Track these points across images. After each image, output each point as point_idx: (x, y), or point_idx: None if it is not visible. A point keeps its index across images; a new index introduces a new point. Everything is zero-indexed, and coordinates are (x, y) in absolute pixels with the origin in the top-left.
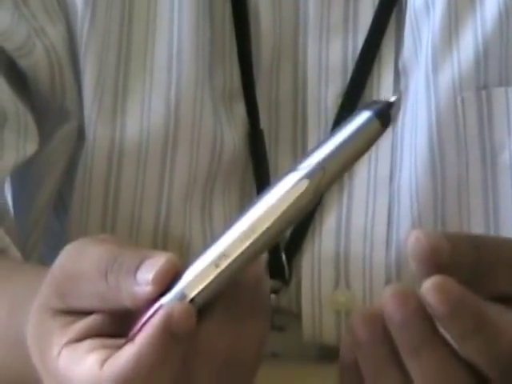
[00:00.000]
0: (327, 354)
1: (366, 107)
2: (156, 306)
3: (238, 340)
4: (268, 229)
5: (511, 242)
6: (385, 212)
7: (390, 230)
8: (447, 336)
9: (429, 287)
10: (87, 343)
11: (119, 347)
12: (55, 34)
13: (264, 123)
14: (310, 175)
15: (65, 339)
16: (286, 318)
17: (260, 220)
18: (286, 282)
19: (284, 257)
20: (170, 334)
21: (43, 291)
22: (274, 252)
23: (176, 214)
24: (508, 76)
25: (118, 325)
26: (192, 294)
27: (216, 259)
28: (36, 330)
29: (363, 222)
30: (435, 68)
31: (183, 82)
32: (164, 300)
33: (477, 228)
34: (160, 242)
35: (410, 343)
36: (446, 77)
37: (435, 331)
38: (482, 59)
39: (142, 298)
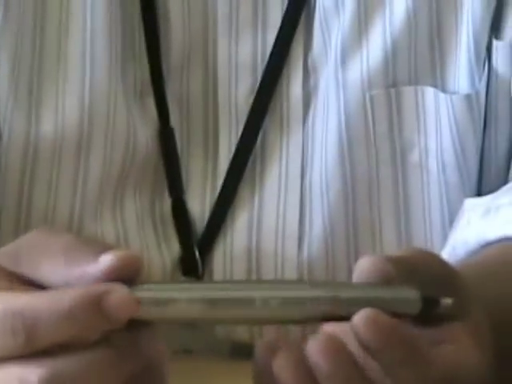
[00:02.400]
0: (240, 350)
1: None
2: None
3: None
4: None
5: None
6: (296, 209)
7: (302, 226)
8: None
9: (359, 320)
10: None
11: None
12: None
13: (175, 121)
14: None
15: None
16: None
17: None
18: (198, 278)
19: (197, 253)
20: (95, 303)
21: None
22: (187, 248)
23: (89, 213)
24: (417, 75)
25: None
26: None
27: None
28: None
29: (275, 219)
30: (344, 66)
31: (97, 79)
32: None
33: (387, 226)
34: None
35: None
36: (355, 75)
37: (361, 374)
38: (391, 58)
39: (95, 274)
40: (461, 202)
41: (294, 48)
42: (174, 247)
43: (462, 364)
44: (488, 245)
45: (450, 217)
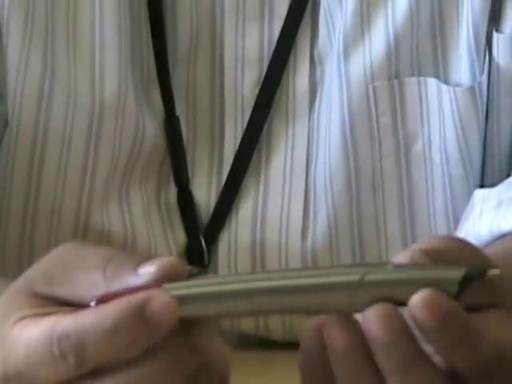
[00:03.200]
0: (246, 341)
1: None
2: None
3: None
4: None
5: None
6: (301, 200)
7: (306, 218)
8: (430, 350)
9: (417, 302)
10: (48, 317)
11: None
12: None
13: (181, 111)
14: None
15: (23, 313)
16: None
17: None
18: (204, 268)
19: (203, 242)
20: (137, 313)
21: (26, 275)
22: (193, 237)
23: (96, 202)
24: (419, 66)
25: None
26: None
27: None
28: (6, 300)
29: (279, 210)
30: (347, 57)
31: (107, 67)
32: None
33: (391, 217)
34: (81, 231)
35: (396, 362)
36: (358, 66)
37: (419, 350)
38: (393, 49)
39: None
40: (464, 194)
41: (300, 40)
42: (180, 236)
43: (508, 346)
44: (502, 236)
45: (454, 208)
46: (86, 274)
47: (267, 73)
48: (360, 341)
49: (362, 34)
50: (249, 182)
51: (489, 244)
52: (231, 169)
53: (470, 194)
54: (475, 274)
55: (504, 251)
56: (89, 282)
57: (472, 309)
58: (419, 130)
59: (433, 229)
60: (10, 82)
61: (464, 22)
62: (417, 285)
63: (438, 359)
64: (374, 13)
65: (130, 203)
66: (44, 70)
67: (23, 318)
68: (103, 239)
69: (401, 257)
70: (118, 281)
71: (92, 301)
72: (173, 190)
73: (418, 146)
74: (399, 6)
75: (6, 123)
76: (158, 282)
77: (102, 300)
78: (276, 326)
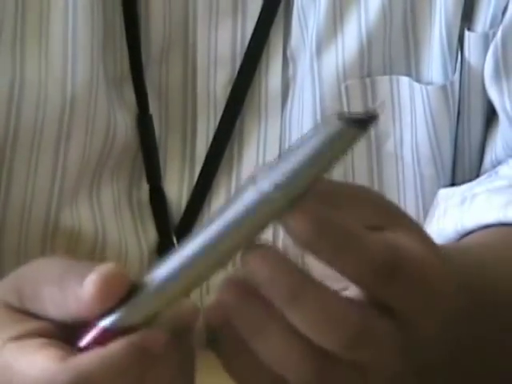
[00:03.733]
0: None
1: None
2: (100, 324)
3: None
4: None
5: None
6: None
7: None
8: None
9: (289, 217)
10: (38, 340)
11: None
12: None
13: (154, 109)
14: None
15: (14, 333)
16: None
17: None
18: None
19: (175, 240)
20: (143, 347)
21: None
22: (164, 235)
23: (67, 200)
24: (392, 65)
25: (67, 336)
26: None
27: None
28: None
29: None
30: (319, 56)
31: (78, 65)
32: (107, 319)
33: None
34: (50, 230)
35: (283, 294)
36: (330, 64)
37: (306, 276)
38: (366, 48)
39: (85, 301)
40: (435, 193)
41: (273, 38)
42: (152, 234)
43: (407, 247)
44: (466, 233)
45: (425, 207)
46: (47, 286)
47: (239, 71)
48: (250, 291)
49: (335, 33)
50: (221, 179)
51: (454, 241)
52: (203, 167)
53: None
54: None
55: (468, 246)
56: (49, 294)
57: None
58: (391, 128)
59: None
60: None
61: (437, 21)
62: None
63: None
64: (347, 11)
65: (100, 202)
66: (13, 71)
67: (14, 338)
68: (73, 239)
69: None
70: (70, 291)
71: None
72: (145, 188)
73: (389, 145)
74: (372, 5)
75: None
76: (102, 289)
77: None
78: None
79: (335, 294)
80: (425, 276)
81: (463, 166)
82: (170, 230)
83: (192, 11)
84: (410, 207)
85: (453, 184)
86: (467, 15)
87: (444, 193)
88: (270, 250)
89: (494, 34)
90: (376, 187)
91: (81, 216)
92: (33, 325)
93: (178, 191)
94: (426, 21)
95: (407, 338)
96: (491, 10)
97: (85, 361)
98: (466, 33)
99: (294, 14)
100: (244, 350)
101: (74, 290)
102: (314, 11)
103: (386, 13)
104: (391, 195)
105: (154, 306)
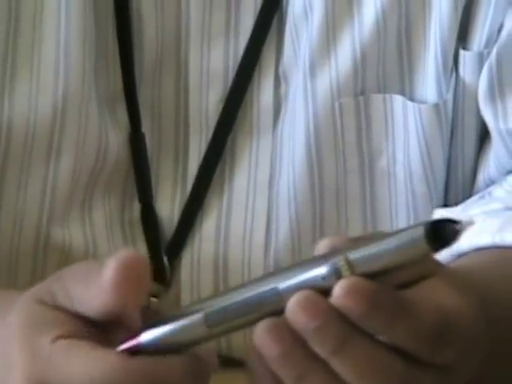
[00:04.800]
0: (232, 361)
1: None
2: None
3: None
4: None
5: None
6: (264, 217)
7: (269, 234)
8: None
9: (341, 291)
10: (86, 342)
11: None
12: None
13: (146, 126)
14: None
15: (58, 331)
16: None
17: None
18: (166, 286)
19: (166, 260)
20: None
21: (35, 288)
22: (155, 254)
23: (58, 217)
24: (386, 83)
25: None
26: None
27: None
28: (23, 316)
29: (242, 227)
30: (313, 74)
31: (70, 83)
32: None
33: (354, 233)
34: (41, 247)
35: (330, 345)
36: (324, 83)
37: (352, 328)
38: (360, 65)
39: (106, 287)
40: (427, 212)
41: (266, 56)
42: (142, 253)
43: (449, 311)
44: (461, 255)
45: None
46: (74, 288)
47: (231, 89)
48: (292, 340)
49: (328, 51)
50: (212, 197)
51: (449, 263)
52: (194, 185)
53: (432, 212)
54: (438, 225)
55: (463, 266)
56: (77, 295)
57: (408, 285)
58: (384, 146)
59: None
60: None
61: (432, 39)
62: (383, 259)
63: None
64: (341, 29)
65: (92, 219)
66: (3, 86)
67: (59, 337)
68: (64, 256)
69: (323, 243)
70: (93, 288)
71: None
72: (137, 206)
73: (382, 163)
74: (366, 23)
75: None
76: (120, 273)
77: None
78: (238, 346)
79: (381, 344)
80: (465, 330)
81: (456, 184)
82: (161, 249)
83: (184, 29)
84: (401, 224)
85: (445, 202)
86: (463, 34)
87: (439, 214)
88: (319, 299)
89: (489, 54)
90: (368, 204)
91: (72, 233)
92: (71, 323)
93: (169, 210)
94: (421, 39)
95: (449, 381)
96: (486, 30)
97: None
98: (461, 52)
99: (287, 32)
100: None
101: (95, 281)
102: (306, 29)
103: (381, 30)
104: (383, 212)
105: (200, 337)
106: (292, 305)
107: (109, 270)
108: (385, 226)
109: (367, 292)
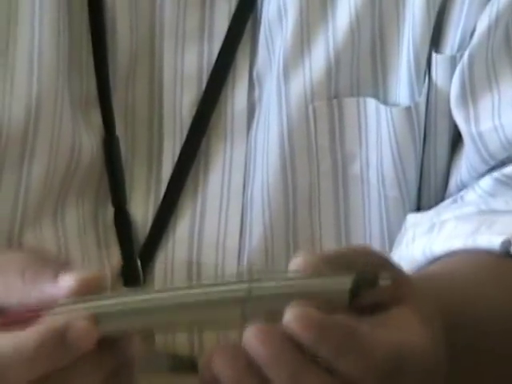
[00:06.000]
0: (179, 364)
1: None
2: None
3: None
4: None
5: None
6: (237, 221)
7: (242, 238)
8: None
9: (291, 318)
10: None
11: None
12: None
13: (120, 130)
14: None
15: None
16: None
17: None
18: (139, 289)
19: (139, 264)
20: (59, 336)
21: None
22: (128, 258)
23: (30, 220)
24: (359, 86)
25: None
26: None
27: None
28: None
29: (216, 231)
30: (287, 77)
31: (44, 88)
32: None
33: (327, 238)
34: (14, 249)
35: (283, 374)
36: (298, 86)
37: (305, 358)
38: (334, 69)
39: (55, 295)
40: (400, 216)
41: (240, 59)
42: (116, 257)
43: (407, 343)
44: (435, 259)
45: (389, 230)
46: (4, 277)
47: (205, 92)
48: (247, 364)
49: (302, 55)
50: (186, 201)
51: (422, 268)
52: (167, 188)
53: (405, 217)
54: (365, 282)
55: (434, 272)
56: (7, 285)
57: (376, 306)
58: (357, 150)
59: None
60: None
61: (405, 43)
62: (305, 296)
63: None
64: (315, 33)
65: (65, 223)
66: None
67: None
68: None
69: (296, 262)
70: (37, 288)
71: None
72: (110, 210)
73: (355, 167)
74: (339, 27)
75: None
76: (76, 293)
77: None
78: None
79: (336, 377)
80: (421, 363)
81: (429, 188)
82: (134, 253)
83: (158, 32)
84: (374, 228)
85: (418, 206)
86: (435, 38)
87: (412, 219)
88: (272, 329)
89: (462, 57)
90: (341, 208)
91: (44, 237)
92: None
93: (143, 213)
94: (394, 42)
95: None
96: (459, 33)
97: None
98: (434, 55)
99: (261, 35)
100: None
101: (43, 286)
102: (281, 32)
103: (354, 34)
104: (357, 217)
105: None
106: (247, 335)
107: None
108: (358, 231)
109: (315, 320)
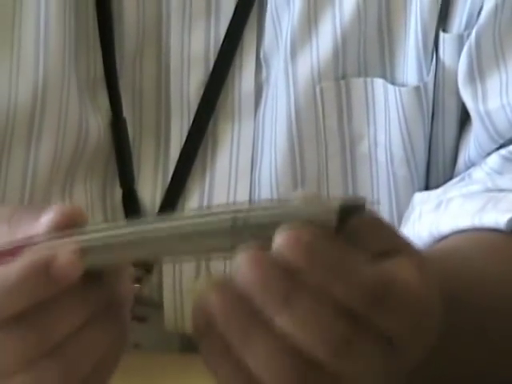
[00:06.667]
0: (189, 344)
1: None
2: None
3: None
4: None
5: None
6: (245, 200)
7: None
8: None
9: (281, 241)
10: None
11: None
12: None
13: (128, 111)
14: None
15: None
16: (148, 308)
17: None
18: (148, 270)
19: None
20: (40, 271)
21: None
22: None
23: (38, 201)
24: (366, 67)
25: None
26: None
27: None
28: None
29: None
30: (294, 58)
31: (50, 68)
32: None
33: None
34: None
35: (274, 299)
36: (305, 66)
37: (297, 283)
38: (341, 49)
39: (42, 232)
40: (409, 195)
41: (247, 39)
42: None
43: (397, 278)
44: (442, 238)
45: (398, 208)
46: None
47: (212, 72)
48: (238, 296)
49: (309, 34)
50: (194, 181)
51: (429, 246)
52: (175, 169)
53: (413, 196)
54: (352, 205)
55: (441, 251)
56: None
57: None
58: (365, 130)
59: None
60: None
61: (412, 22)
62: (292, 221)
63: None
64: (322, 13)
65: (72, 203)
66: None
67: None
68: None
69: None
70: (22, 228)
71: None
72: (118, 191)
73: (363, 147)
74: (346, 6)
75: None
76: (58, 228)
77: None
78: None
79: (327, 302)
80: (412, 302)
81: (437, 166)
82: None
83: (165, 12)
84: (383, 207)
85: (427, 185)
86: (443, 17)
87: (419, 197)
88: (263, 253)
89: (469, 35)
90: (350, 188)
91: None
92: None
93: (151, 194)
94: (401, 22)
95: (392, 357)
96: (466, 12)
97: None
98: (441, 34)
99: (268, 15)
100: (226, 350)
101: (27, 228)
102: (288, 13)
103: (361, 14)
104: (365, 195)
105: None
106: (237, 260)
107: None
108: None
109: (306, 242)
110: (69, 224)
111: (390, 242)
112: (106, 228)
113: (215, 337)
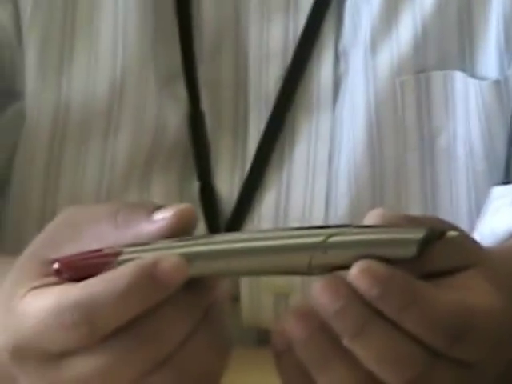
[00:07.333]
0: (266, 338)
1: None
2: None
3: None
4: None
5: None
6: (323, 194)
7: (328, 212)
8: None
9: (356, 273)
10: (57, 288)
11: None
12: (3, 12)
13: (206, 105)
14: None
15: (37, 283)
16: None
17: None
18: None
19: None
20: (149, 275)
21: (32, 247)
22: (215, 232)
23: (115, 195)
24: (446, 60)
25: None
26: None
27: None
28: (15, 272)
29: (301, 205)
30: (374, 51)
31: (128, 63)
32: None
33: (414, 212)
34: None
35: (350, 327)
36: (385, 60)
37: (372, 312)
38: (421, 43)
39: (151, 233)
40: (488, 190)
41: (325, 32)
42: (202, 231)
43: (474, 308)
44: None
45: (477, 204)
46: (95, 227)
47: (291, 66)
48: (318, 325)
49: (390, 28)
50: (271, 176)
51: (505, 241)
52: (253, 162)
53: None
54: (434, 235)
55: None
56: (99, 234)
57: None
58: (444, 124)
59: (455, 224)
60: (28, 76)
61: (494, 15)
62: (376, 247)
63: None
64: (402, 5)
65: (150, 198)
66: (61, 68)
67: (32, 288)
68: None
69: (369, 218)
70: (132, 228)
71: (54, 264)
72: (195, 185)
73: (442, 141)
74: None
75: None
76: (172, 229)
77: (65, 264)
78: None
79: (403, 332)
80: (493, 329)
81: None
82: (220, 227)
83: (244, 6)
84: (462, 202)
85: (507, 180)
86: None
87: (498, 191)
88: (341, 282)
89: None
90: (428, 183)
91: None
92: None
93: (228, 188)
94: (482, 15)
95: (470, 378)
96: None
97: (87, 285)
98: None
99: (347, 9)
100: (303, 373)
101: (138, 226)
102: (367, 5)
103: (442, 6)
104: (443, 191)
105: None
106: (316, 287)
107: (162, 216)
108: (445, 205)
109: (381, 275)
110: (181, 227)
111: (463, 259)
112: (205, 236)
113: (293, 359)
